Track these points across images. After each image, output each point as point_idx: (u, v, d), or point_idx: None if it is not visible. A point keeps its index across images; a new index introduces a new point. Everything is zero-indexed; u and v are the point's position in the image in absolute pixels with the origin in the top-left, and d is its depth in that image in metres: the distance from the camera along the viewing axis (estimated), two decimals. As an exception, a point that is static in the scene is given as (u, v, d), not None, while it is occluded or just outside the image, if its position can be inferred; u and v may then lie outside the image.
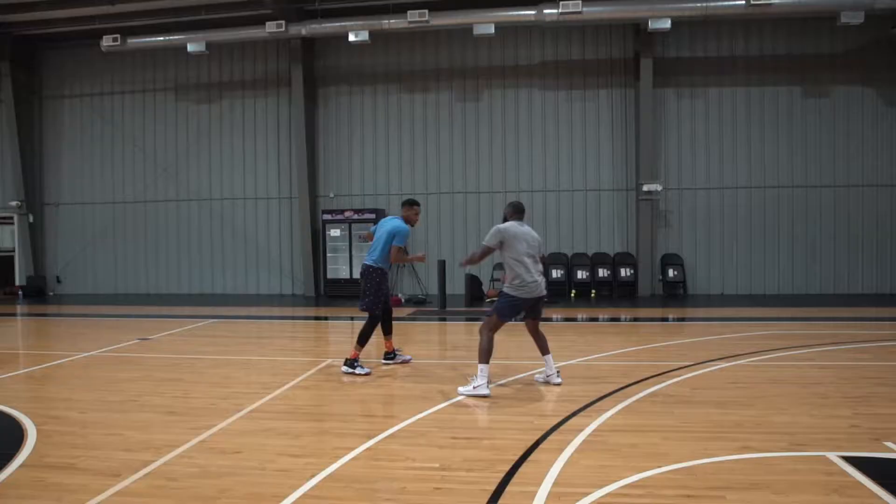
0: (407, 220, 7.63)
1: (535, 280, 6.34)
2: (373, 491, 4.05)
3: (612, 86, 16.41)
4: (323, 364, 7.99)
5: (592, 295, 15.50)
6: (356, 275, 16.13)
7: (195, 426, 5.42)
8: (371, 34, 15.26)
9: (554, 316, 12.94)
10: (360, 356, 7.35)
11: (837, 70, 16.02)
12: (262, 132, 17.53)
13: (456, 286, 15.48)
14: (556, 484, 4.06)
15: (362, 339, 7.34)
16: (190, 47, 15.95)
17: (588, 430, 5.10)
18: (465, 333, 11.17)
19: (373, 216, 16.12)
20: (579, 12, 14.43)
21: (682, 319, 12.76)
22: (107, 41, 16.07)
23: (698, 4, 14.54)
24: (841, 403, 5.85)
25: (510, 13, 14.92)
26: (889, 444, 4.73)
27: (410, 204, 7.75)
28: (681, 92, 16.25)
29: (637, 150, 15.92)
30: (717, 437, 4.91)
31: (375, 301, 7.40)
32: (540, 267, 6.48)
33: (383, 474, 4.31)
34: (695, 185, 16.16)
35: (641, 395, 6.23)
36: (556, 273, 15.54)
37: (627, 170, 16.27)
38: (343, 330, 11.66)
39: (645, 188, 15.34)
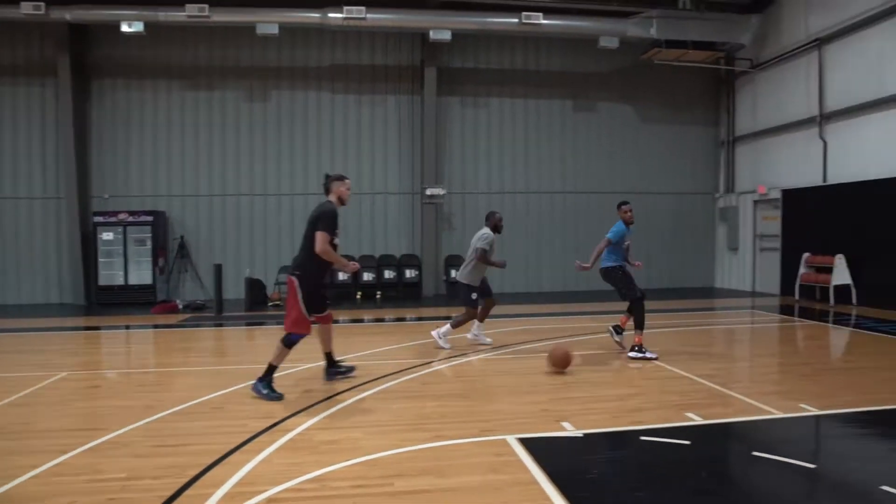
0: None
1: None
2: (37, 508, 3.86)
3: (399, 92, 16.87)
4: (55, 377, 7.43)
5: (378, 296, 15.82)
6: (132, 281, 15.31)
7: None
8: (147, 26, 14.44)
9: (341, 318, 13.02)
10: (643, 341, 8.10)
11: (602, 88, 17.74)
12: (23, 125, 15.82)
13: (238, 290, 15.05)
14: (238, 484, 4.11)
15: (640, 325, 8.14)
16: (-71, 26, 14.12)
17: (299, 429, 5.21)
18: (227, 339, 10.93)
19: (150, 219, 15.27)
20: (363, 18, 14.71)
21: (449, 318, 13.35)
22: None
23: (476, 19, 15.44)
24: (546, 390, 6.49)
25: (294, 14, 14.83)
26: (565, 423, 5.33)
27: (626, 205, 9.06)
28: (464, 101, 17.11)
29: (422, 155, 16.52)
30: (419, 429, 5.23)
31: (632, 289, 8.21)
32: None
33: (59, 490, 4.10)
34: (477, 189, 17.09)
35: (371, 392, 6.48)
36: (342, 276, 15.65)
37: (413, 174, 16.82)
38: (108, 339, 10.89)
39: (428, 192, 15.95)
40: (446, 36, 15.31)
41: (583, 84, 17.71)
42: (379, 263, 16.21)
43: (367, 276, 15.85)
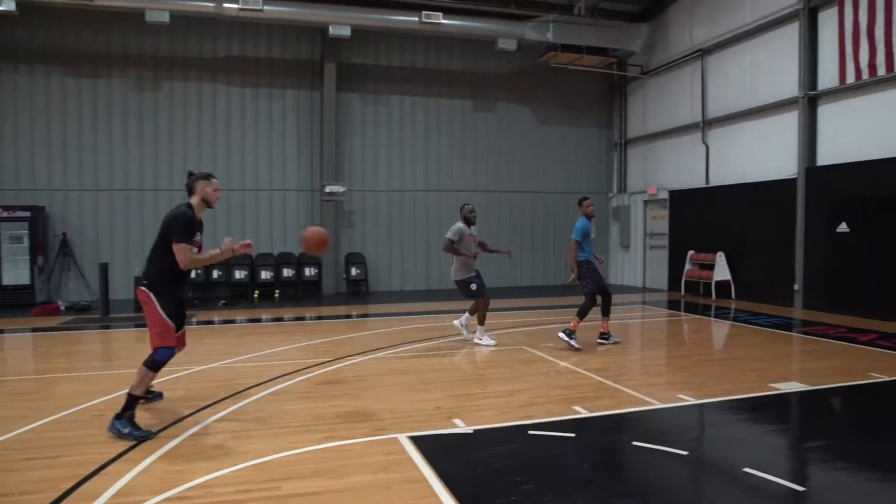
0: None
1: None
2: None
3: (299, 87, 16.56)
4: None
5: (276, 295, 15.49)
6: (7, 281, 14.27)
7: None
8: (20, 5, 13.45)
9: (237, 318, 12.67)
10: (577, 328, 8.57)
11: (501, 89, 18.11)
12: None
13: (127, 290, 14.29)
14: (116, 495, 3.93)
15: (581, 314, 8.58)
16: None
17: (185, 435, 5.04)
18: (113, 341, 10.42)
19: (27, 215, 14.27)
20: (260, 10, 14.33)
21: (349, 316, 13.29)
22: None
23: (376, 16, 15.37)
24: (440, 388, 6.57)
25: (187, 3, 14.23)
26: (456, 420, 5.42)
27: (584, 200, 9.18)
28: (365, 98, 17.01)
29: (321, 151, 16.29)
30: (310, 430, 5.17)
31: (590, 284, 8.70)
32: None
33: (-89, 511, 3.80)
34: (377, 187, 17.04)
35: (264, 393, 6.35)
36: (239, 274, 15.25)
37: (312, 171, 16.57)
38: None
39: (328, 189, 15.76)
40: (346, 32, 15.16)
41: (482, 84, 18.01)
42: (277, 262, 15.88)
43: (265, 275, 15.48)
